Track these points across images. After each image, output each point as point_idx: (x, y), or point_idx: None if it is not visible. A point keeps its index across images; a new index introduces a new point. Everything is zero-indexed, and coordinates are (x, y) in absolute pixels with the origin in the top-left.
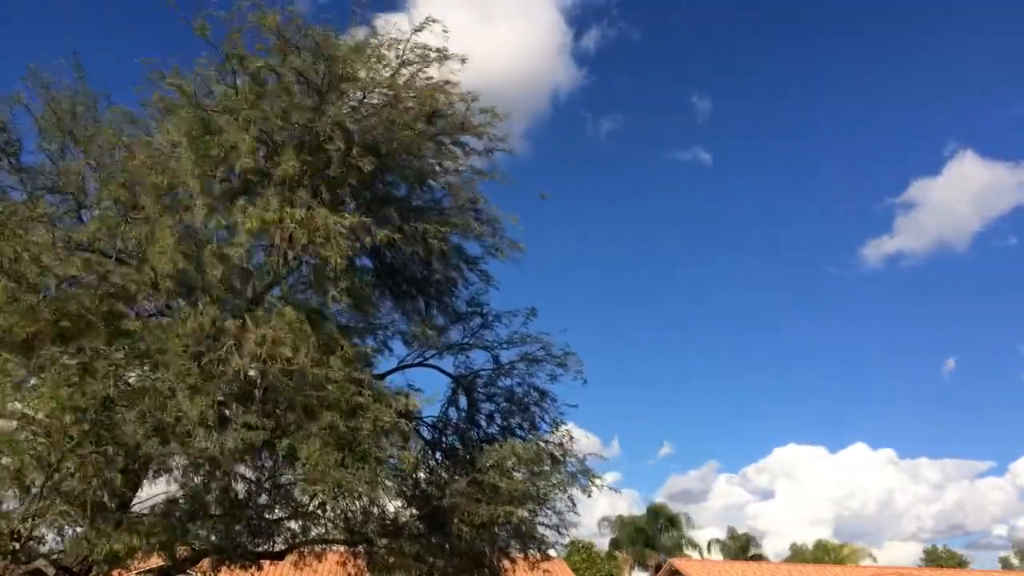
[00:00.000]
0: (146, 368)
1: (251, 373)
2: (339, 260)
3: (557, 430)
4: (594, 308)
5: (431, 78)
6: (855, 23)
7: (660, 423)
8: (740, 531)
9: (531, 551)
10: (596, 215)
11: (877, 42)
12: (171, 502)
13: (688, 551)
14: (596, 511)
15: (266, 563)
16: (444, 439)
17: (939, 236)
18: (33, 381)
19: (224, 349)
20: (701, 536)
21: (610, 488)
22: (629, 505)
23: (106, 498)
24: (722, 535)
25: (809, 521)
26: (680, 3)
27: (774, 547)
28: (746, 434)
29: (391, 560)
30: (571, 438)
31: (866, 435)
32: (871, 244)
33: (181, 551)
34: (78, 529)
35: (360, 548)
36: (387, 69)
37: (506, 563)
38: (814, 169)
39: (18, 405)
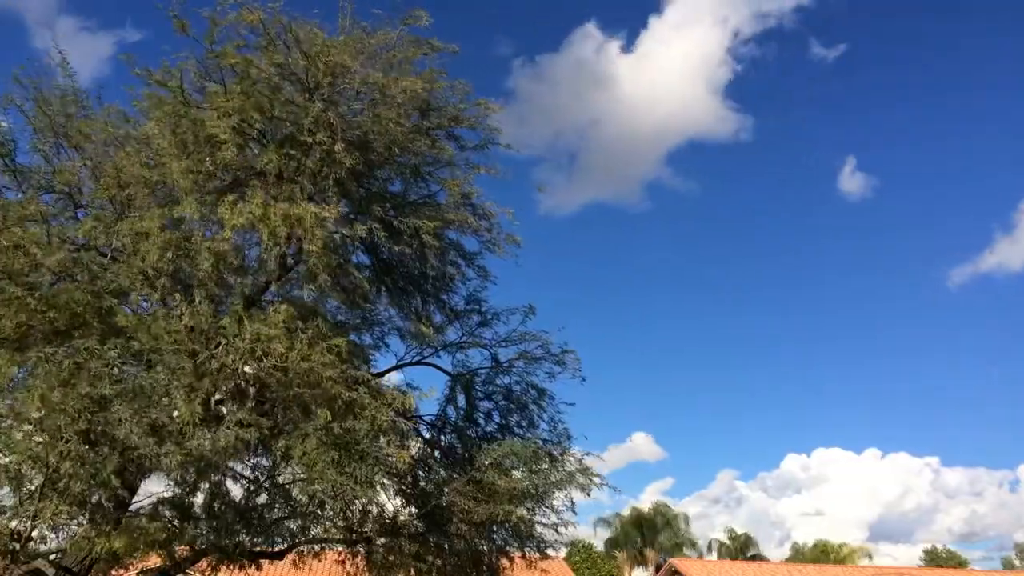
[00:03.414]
0: (140, 366)
1: (247, 370)
2: (317, 248)
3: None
4: (670, 315)
5: (420, 71)
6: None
7: (724, 429)
8: (777, 533)
9: (529, 550)
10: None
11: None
12: (165, 501)
13: (687, 551)
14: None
15: (265, 562)
16: (443, 438)
17: None
18: (27, 379)
19: (219, 347)
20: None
21: (610, 487)
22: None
23: (104, 498)
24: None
25: (848, 524)
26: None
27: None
28: (789, 439)
29: (390, 559)
30: (569, 437)
31: (911, 443)
32: (960, 264)
33: (180, 551)
34: (77, 528)
35: (359, 547)
36: (377, 63)
37: (504, 562)
38: (919, 184)
39: (10, 404)
